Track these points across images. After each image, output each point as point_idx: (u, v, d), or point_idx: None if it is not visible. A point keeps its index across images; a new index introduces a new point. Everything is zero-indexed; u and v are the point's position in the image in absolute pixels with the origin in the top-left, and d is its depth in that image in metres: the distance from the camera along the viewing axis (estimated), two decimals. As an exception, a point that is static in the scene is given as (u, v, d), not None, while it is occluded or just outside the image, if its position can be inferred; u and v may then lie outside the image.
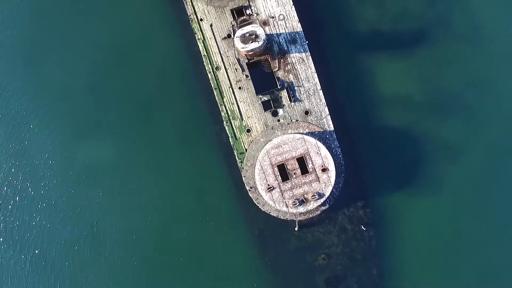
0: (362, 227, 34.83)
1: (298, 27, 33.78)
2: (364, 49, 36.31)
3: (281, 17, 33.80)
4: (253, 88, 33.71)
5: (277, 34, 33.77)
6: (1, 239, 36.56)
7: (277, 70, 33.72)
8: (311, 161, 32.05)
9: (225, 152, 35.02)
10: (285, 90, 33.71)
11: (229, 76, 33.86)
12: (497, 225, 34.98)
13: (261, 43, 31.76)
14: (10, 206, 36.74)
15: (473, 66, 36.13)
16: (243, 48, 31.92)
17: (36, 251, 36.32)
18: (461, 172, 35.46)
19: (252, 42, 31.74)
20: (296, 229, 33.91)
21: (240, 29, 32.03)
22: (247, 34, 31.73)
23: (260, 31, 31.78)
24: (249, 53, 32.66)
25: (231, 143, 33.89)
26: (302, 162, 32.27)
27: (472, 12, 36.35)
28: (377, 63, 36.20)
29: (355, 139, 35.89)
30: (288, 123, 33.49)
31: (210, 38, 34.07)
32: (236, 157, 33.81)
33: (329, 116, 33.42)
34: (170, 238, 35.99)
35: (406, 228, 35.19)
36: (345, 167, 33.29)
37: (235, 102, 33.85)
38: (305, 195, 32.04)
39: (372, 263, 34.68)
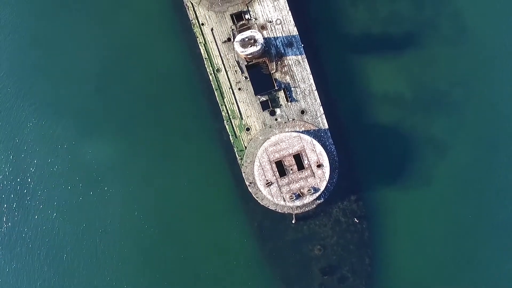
0: (355, 220, 35.33)
1: (294, 31, 34.13)
2: (357, 51, 36.58)
3: (278, 21, 34.19)
4: (252, 89, 34.10)
5: (274, 37, 34.14)
6: (4, 229, 36.64)
7: (275, 72, 34.12)
8: (307, 157, 32.59)
9: (226, 149, 35.45)
10: (282, 90, 34.11)
11: (229, 77, 34.32)
12: (482, 215, 35.63)
13: (259, 47, 32.11)
14: (13, 202, 36.88)
15: (459, 66, 36.56)
16: (242, 51, 32.31)
17: (40, 249, 36.71)
18: (448, 166, 35.98)
19: (251, 46, 31.98)
20: (293, 222, 34.47)
21: (240, 34, 32.23)
22: (246, 39, 31.99)
23: (258, 35, 32.03)
24: (248, 56, 33.07)
25: (232, 141, 34.39)
26: (298, 158, 32.66)
27: (458, 15, 36.74)
28: (369, 64, 36.50)
29: (348, 137, 36.27)
30: (285, 122, 34.02)
31: (211, 42, 34.42)
32: (236, 154, 34.34)
33: (323, 115, 33.95)
34: (172, 231, 36.27)
35: (397, 220, 35.68)
36: (339, 163, 33.72)
37: (235, 102, 34.34)
38: (301, 190, 32.57)
39: (364, 253, 35.20)
